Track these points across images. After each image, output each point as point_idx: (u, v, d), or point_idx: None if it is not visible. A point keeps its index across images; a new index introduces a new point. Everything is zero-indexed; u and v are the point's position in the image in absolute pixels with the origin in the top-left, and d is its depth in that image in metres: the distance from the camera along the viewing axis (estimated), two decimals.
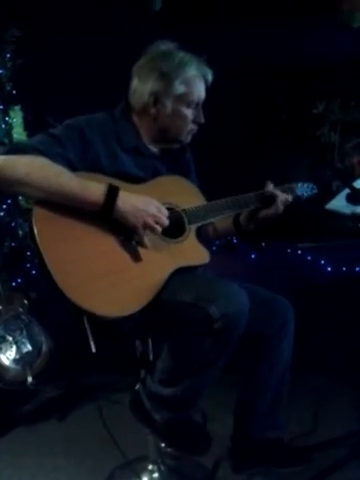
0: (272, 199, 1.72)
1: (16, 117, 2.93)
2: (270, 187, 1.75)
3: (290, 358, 1.74)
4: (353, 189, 1.72)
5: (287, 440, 1.95)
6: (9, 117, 2.92)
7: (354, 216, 2.01)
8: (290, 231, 2.97)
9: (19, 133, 2.92)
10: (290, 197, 1.76)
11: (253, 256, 2.98)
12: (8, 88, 2.91)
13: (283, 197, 1.73)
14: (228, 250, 2.99)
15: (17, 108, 2.94)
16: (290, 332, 1.72)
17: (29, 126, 2.95)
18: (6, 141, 2.84)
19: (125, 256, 1.49)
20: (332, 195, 2.16)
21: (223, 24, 3.05)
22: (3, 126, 2.90)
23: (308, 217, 2.96)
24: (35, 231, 1.40)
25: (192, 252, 1.61)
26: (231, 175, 2.96)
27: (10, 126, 2.91)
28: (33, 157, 1.43)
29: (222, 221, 1.82)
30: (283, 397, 1.76)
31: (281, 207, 1.72)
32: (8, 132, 2.90)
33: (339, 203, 2.05)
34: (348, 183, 1.76)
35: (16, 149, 1.46)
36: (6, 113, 2.91)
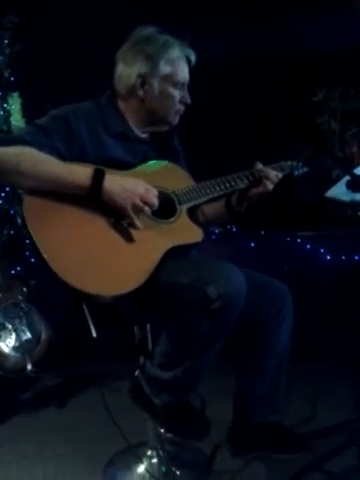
0: (261, 177, 1.73)
1: (14, 104, 2.93)
2: (259, 166, 1.77)
3: (288, 343, 1.75)
4: (353, 176, 1.71)
5: (286, 426, 1.97)
6: (7, 104, 2.91)
7: (354, 204, 2.00)
8: (289, 219, 2.97)
9: (17, 120, 2.91)
10: (280, 174, 1.77)
11: (252, 244, 2.98)
12: (6, 75, 2.91)
13: (272, 174, 1.74)
14: (227, 239, 2.99)
15: (15, 95, 2.94)
16: (288, 316, 1.72)
17: (27, 113, 2.94)
18: (4, 128, 2.83)
19: (118, 238, 1.50)
20: (332, 183, 2.15)
21: (223, 12, 3.03)
22: (1, 113, 2.89)
23: (307, 205, 2.95)
24: (26, 220, 1.43)
25: (185, 231, 1.63)
26: (228, 164, 2.95)
27: (8, 113, 2.91)
28: (21, 147, 1.47)
29: (212, 205, 1.82)
30: (282, 382, 1.77)
31: (270, 185, 1.73)
32: (6, 119, 2.89)
33: (339, 191, 2.04)
34: (348, 170, 1.76)
35: (4, 141, 1.50)
36: (4, 100, 2.90)
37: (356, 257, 2.83)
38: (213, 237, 2.99)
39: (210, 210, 1.85)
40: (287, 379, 1.78)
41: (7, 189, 2.84)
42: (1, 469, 2.00)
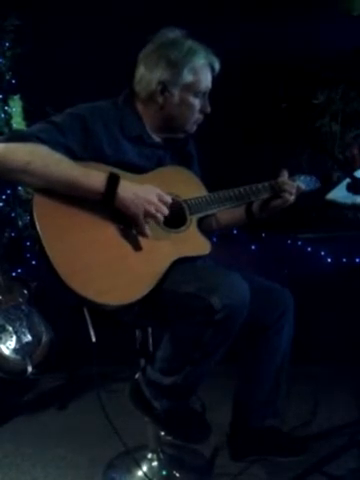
0: (285, 190, 1.71)
1: (15, 106, 2.93)
2: (285, 175, 1.74)
3: (289, 347, 1.74)
4: (354, 178, 1.71)
5: (286, 430, 1.97)
6: (8, 106, 2.92)
7: (354, 206, 2.00)
8: (290, 222, 2.97)
9: (18, 123, 2.92)
10: (302, 187, 1.76)
11: (253, 247, 2.98)
12: (7, 77, 2.92)
13: (295, 189, 1.72)
14: (228, 241, 2.98)
15: (16, 97, 2.94)
16: (289, 321, 1.72)
17: (28, 115, 2.94)
18: (6, 130, 2.84)
19: (126, 245, 1.48)
20: (332, 186, 2.15)
21: (225, 14, 3.04)
22: (2, 115, 2.90)
23: (308, 208, 2.95)
24: (36, 219, 1.40)
25: (193, 242, 1.61)
26: (230, 166, 2.95)
27: (9, 115, 2.91)
28: (34, 145, 1.42)
29: (228, 212, 1.81)
30: (282, 385, 1.77)
31: (291, 198, 1.72)
32: (7, 121, 2.90)
33: (339, 193, 2.04)
34: (349, 172, 1.76)
35: (16, 137, 1.45)
36: (5, 102, 2.91)
37: (357, 259, 2.83)
38: (214, 239, 2.98)
39: (226, 216, 1.83)
40: (288, 382, 1.78)
41: (8, 192, 2.85)
42: (1, 471, 2.00)
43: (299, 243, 2.96)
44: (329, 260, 2.87)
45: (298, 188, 1.74)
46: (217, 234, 2.92)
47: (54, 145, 1.44)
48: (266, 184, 1.74)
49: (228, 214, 1.83)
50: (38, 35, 2.87)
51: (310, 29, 3.14)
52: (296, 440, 1.85)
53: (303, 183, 1.82)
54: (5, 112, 2.90)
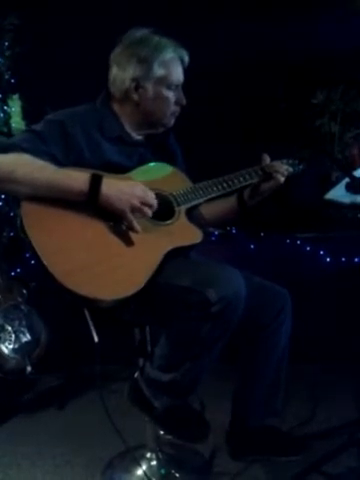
0: (272, 172, 1.72)
1: (14, 106, 2.93)
2: (267, 159, 1.76)
3: (287, 346, 1.75)
4: (353, 178, 1.71)
5: (285, 429, 1.97)
6: (7, 106, 2.91)
7: (353, 206, 2.00)
8: (289, 221, 2.97)
9: (17, 122, 2.91)
10: (290, 168, 1.77)
11: (252, 246, 2.98)
12: (6, 77, 2.91)
13: (283, 168, 1.73)
14: (227, 240, 2.99)
15: (15, 97, 2.94)
16: (287, 319, 1.72)
17: (27, 115, 2.94)
18: (5, 130, 2.84)
19: (117, 241, 1.50)
20: (332, 185, 2.15)
21: (224, 12, 3.04)
22: (1, 115, 2.90)
23: (307, 207, 2.95)
24: (25, 226, 1.43)
25: (184, 232, 1.62)
26: (228, 165, 2.95)
27: (8, 115, 2.91)
28: (17, 155, 1.46)
29: (218, 204, 1.81)
30: (281, 384, 1.77)
31: (282, 178, 1.72)
32: (6, 121, 2.89)
33: (338, 193, 2.04)
34: (348, 172, 1.76)
35: None
36: (4, 102, 2.91)
37: (356, 259, 2.83)
38: (212, 238, 2.99)
39: (217, 208, 1.84)
40: (286, 381, 1.78)
41: None
42: (1, 470, 2.00)
43: (298, 242, 2.96)
44: (328, 260, 2.87)
45: (287, 169, 1.75)
46: (216, 234, 2.93)
47: (37, 153, 1.48)
48: (256, 168, 1.75)
49: (218, 206, 1.83)
50: (37, 35, 2.87)
51: (310, 29, 3.14)
52: (295, 439, 1.86)
53: (290, 166, 1.82)
54: (4, 112, 2.90)
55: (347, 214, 2.92)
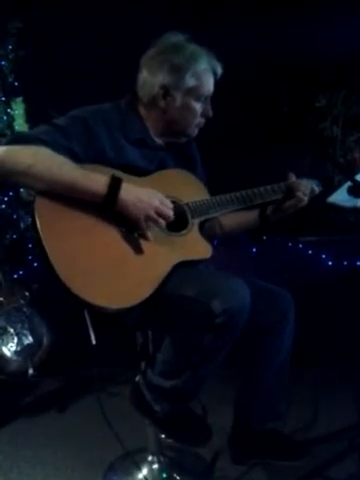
0: (297, 191, 1.71)
1: (18, 109, 2.93)
2: (293, 178, 1.75)
3: (290, 349, 1.74)
4: (355, 182, 1.71)
5: (287, 433, 1.96)
6: (11, 109, 2.92)
7: (355, 210, 2.00)
8: (291, 225, 2.97)
9: (21, 125, 2.92)
10: (316, 189, 1.78)
11: (254, 250, 2.98)
12: (10, 80, 2.92)
13: (308, 189, 1.74)
14: (229, 244, 2.98)
15: (19, 100, 2.95)
16: (290, 323, 1.72)
17: (31, 118, 2.94)
18: (8, 133, 2.84)
19: (127, 248, 1.48)
20: (334, 189, 2.16)
21: (226, 17, 3.04)
22: (5, 118, 2.90)
23: (309, 211, 2.95)
24: (37, 221, 1.39)
25: (195, 246, 1.60)
26: (230, 169, 2.95)
27: (12, 118, 2.91)
28: (36, 148, 1.41)
29: (233, 217, 1.81)
30: (283, 388, 1.76)
31: (306, 198, 1.73)
32: (10, 124, 2.90)
33: (340, 197, 2.04)
34: (350, 176, 1.76)
35: (19, 139, 1.44)
36: (8, 105, 2.91)
37: (358, 263, 2.83)
38: (215, 242, 2.98)
39: (238, 219, 1.83)
40: (288, 385, 1.78)
41: (10, 193, 2.85)
42: (1, 473, 2.00)
43: (300, 246, 2.96)
44: (330, 263, 2.87)
45: (312, 191, 1.75)
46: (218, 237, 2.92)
47: (57, 148, 1.44)
48: (282, 184, 1.75)
49: (234, 219, 1.83)
50: (40, 38, 2.88)
51: (312, 33, 3.14)
52: (297, 444, 1.85)
53: (315, 186, 1.83)
54: (8, 114, 2.91)
55: (349, 218, 2.92)
